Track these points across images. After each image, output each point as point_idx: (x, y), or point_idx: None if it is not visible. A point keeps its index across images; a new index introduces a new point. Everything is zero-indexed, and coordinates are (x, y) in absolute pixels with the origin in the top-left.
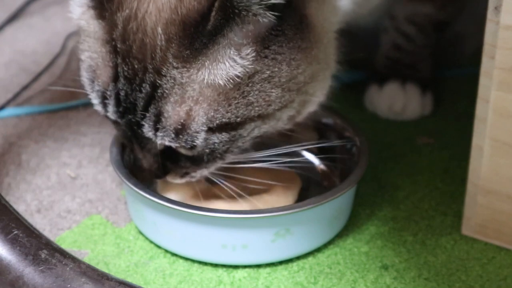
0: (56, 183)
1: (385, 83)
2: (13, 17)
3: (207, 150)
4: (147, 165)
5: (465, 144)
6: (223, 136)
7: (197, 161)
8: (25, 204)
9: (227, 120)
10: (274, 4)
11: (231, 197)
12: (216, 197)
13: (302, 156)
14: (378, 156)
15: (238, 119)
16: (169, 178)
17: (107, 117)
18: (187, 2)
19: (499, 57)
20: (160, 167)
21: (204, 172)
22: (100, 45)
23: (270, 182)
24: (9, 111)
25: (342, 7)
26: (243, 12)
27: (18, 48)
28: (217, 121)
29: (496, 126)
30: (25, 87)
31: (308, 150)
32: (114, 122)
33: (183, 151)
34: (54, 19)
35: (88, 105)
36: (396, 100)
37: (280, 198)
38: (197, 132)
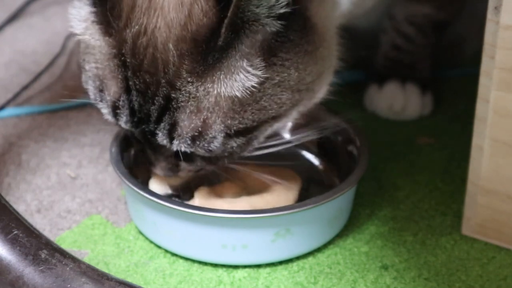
0: (56, 183)
1: (385, 83)
2: (13, 17)
3: (226, 154)
4: (159, 166)
5: (465, 144)
6: (240, 140)
7: (213, 160)
8: (25, 204)
9: (244, 126)
10: (281, 13)
11: (231, 197)
12: (216, 197)
13: (303, 156)
14: (378, 156)
15: (255, 123)
16: (182, 174)
17: (117, 124)
18: (196, 18)
19: (499, 57)
20: (173, 167)
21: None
22: (108, 59)
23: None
24: (9, 111)
25: (341, 4)
26: (253, 25)
27: (18, 48)
28: (235, 127)
29: (496, 126)
30: (25, 87)
31: (308, 150)
32: (121, 127)
33: (198, 153)
34: (54, 19)
35: (88, 105)
36: (396, 100)
37: (280, 198)
38: (214, 138)
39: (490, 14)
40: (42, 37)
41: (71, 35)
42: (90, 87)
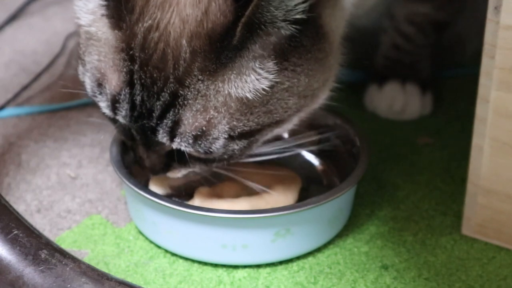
0: (56, 183)
1: (385, 83)
2: (13, 17)
3: (225, 156)
4: (149, 164)
5: (465, 144)
6: (242, 143)
7: (208, 162)
8: (25, 204)
9: (248, 128)
10: (296, 18)
11: (231, 197)
12: (216, 197)
13: (302, 156)
14: (378, 156)
15: (258, 127)
16: (170, 174)
17: (112, 119)
18: (212, 15)
19: (499, 57)
20: (164, 167)
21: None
22: (113, 52)
23: (273, 170)
24: (9, 111)
25: (346, 9)
26: (268, 27)
27: (18, 48)
28: (239, 130)
29: (496, 126)
30: (25, 87)
31: (308, 150)
32: (115, 122)
33: (196, 154)
34: (54, 19)
35: (88, 105)
36: (396, 100)
37: (280, 198)
38: (217, 139)
39: (490, 14)
40: (42, 37)
41: (71, 35)
42: (88, 79)
